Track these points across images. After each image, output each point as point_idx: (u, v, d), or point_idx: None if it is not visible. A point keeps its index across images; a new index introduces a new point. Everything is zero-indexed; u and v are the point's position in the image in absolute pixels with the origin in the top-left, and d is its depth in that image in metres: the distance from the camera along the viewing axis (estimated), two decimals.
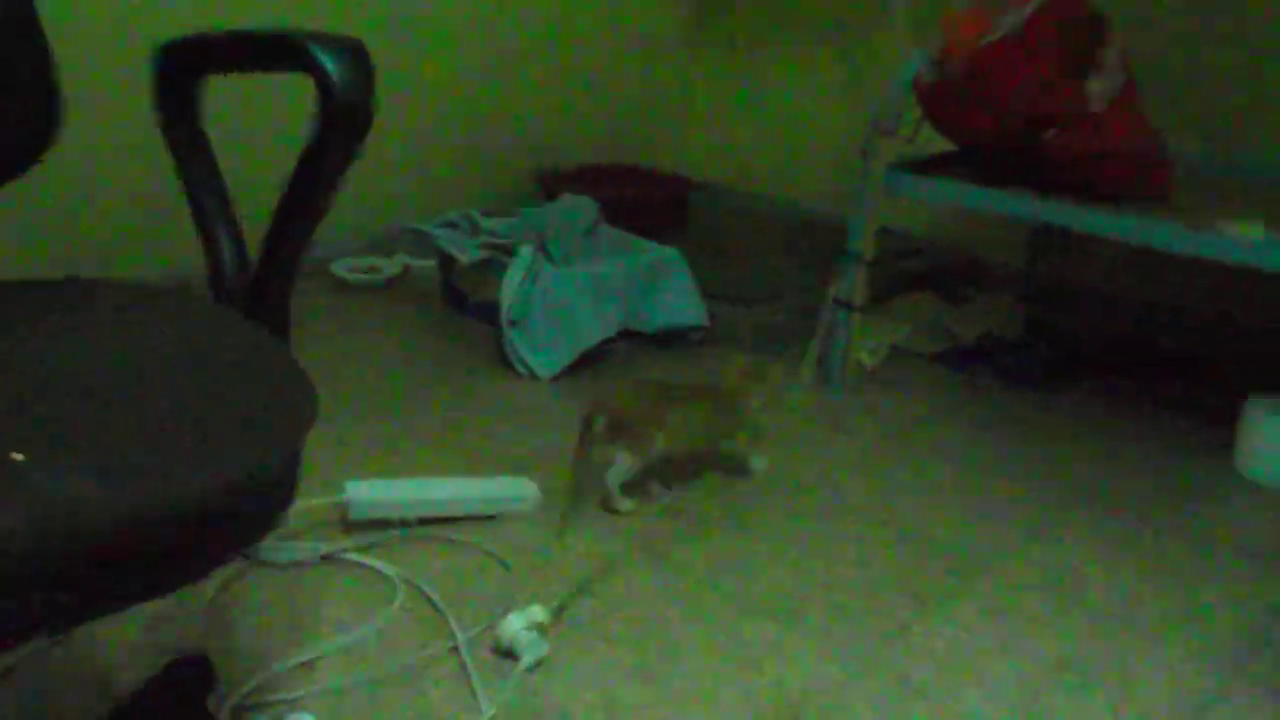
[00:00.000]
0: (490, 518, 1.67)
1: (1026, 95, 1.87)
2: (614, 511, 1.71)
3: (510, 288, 2.14)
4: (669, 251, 2.35)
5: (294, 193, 0.78)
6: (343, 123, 0.73)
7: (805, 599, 1.53)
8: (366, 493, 1.63)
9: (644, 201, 2.92)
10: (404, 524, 1.63)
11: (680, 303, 2.33)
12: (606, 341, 2.22)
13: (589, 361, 2.21)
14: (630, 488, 1.73)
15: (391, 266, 2.65)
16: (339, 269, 2.61)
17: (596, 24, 3.12)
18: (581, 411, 1.72)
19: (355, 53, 0.72)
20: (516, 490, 1.69)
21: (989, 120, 1.93)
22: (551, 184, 2.86)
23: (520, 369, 2.17)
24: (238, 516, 0.67)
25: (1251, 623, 1.54)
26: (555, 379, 2.16)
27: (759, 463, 1.86)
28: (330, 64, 0.71)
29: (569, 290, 2.15)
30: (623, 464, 1.69)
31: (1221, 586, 1.62)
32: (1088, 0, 1.96)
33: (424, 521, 1.64)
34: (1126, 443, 2.05)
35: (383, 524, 1.63)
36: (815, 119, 3.15)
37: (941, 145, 2.19)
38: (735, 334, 2.42)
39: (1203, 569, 1.66)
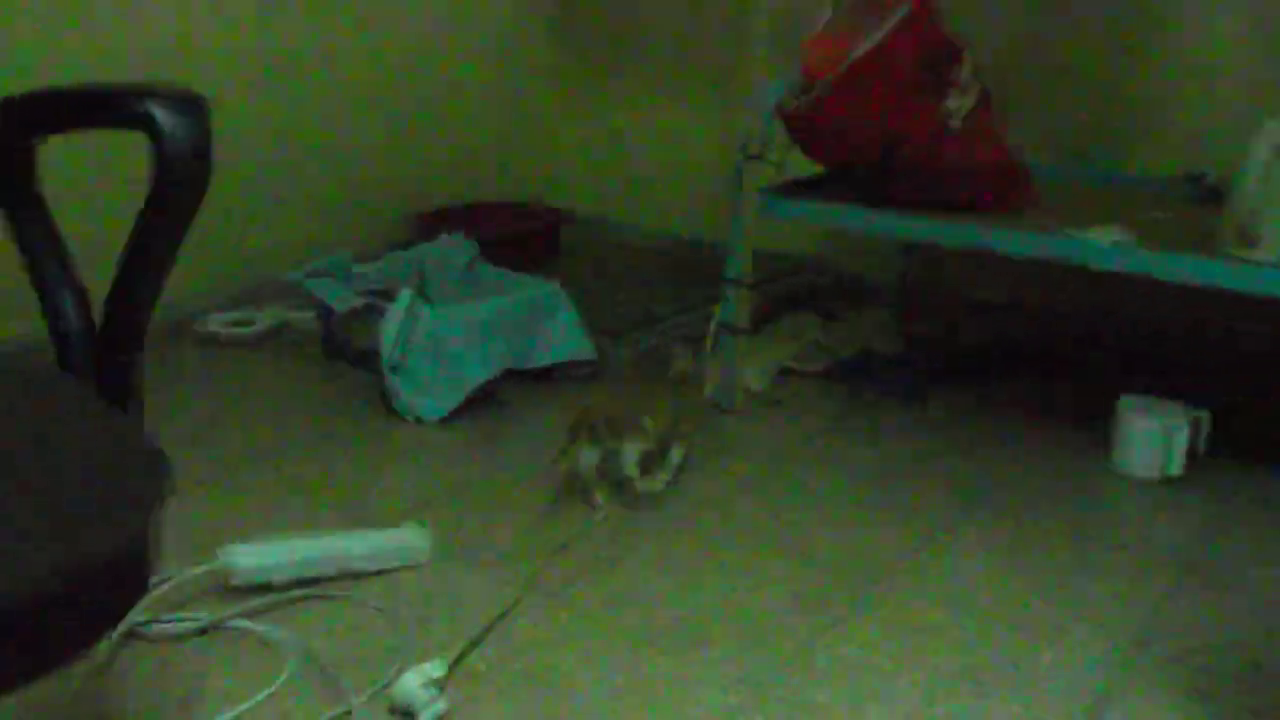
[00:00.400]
0: (380, 572, 1.63)
1: (884, 116, 1.91)
2: (592, 505, 1.83)
3: (390, 332, 2.10)
4: (550, 286, 2.33)
5: (134, 252, 0.75)
6: (179, 177, 0.69)
7: (704, 628, 1.52)
8: (248, 556, 1.57)
9: (518, 237, 2.91)
10: (289, 586, 1.58)
11: (565, 338, 2.31)
12: (492, 381, 2.19)
13: (475, 403, 2.17)
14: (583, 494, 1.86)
15: (266, 319, 2.58)
16: (211, 324, 2.53)
17: (459, 61, 3.11)
18: (569, 420, 1.85)
19: (190, 104, 0.69)
20: (406, 540, 1.65)
21: (851, 141, 1.97)
22: (424, 225, 2.83)
23: (406, 414, 2.12)
24: (87, 602, 0.63)
25: (1138, 616, 1.58)
26: (442, 422, 2.12)
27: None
28: (162, 117, 0.68)
29: (450, 331, 2.12)
30: (632, 450, 1.84)
31: (1106, 583, 1.66)
32: (940, 22, 2.02)
33: (310, 581, 1.59)
34: (1007, 446, 2.10)
35: (267, 588, 1.57)
36: (684, 146, 3.18)
37: (813, 168, 2.22)
38: (617, 365, 2.41)
39: (1087, 566, 1.70)
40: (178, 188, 0.70)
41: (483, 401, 2.20)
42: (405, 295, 2.14)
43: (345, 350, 2.36)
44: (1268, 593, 1.64)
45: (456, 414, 2.14)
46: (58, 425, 0.75)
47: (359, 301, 2.24)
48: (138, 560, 0.65)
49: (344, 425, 2.12)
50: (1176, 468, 1.94)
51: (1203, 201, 2.24)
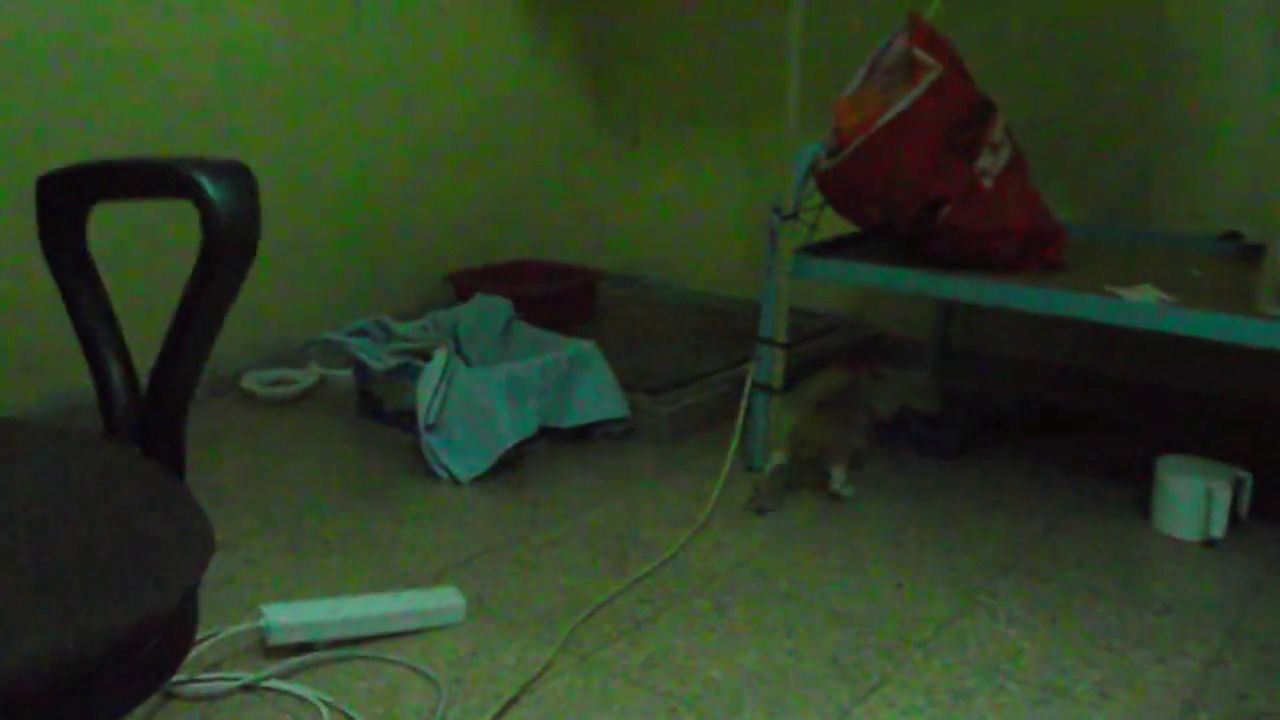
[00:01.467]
0: (417, 631, 1.63)
1: (917, 176, 1.92)
2: (766, 510, 2.04)
3: (426, 392, 2.12)
4: (584, 345, 2.35)
5: (182, 320, 0.76)
6: (227, 247, 0.71)
7: (740, 693, 1.51)
8: (285, 616, 1.58)
9: (554, 296, 2.93)
10: (327, 646, 1.58)
11: (599, 396, 2.32)
12: (527, 440, 2.20)
13: (510, 462, 2.18)
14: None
15: (305, 378, 2.61)
16: (250, 384, 2.56)
17: (497, 122, 3.16)
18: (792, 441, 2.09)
19: (237, 175, 0.71)
20: (441, 601, 1.65)
21: (884, 201, 1.98)
22: (462, 284, 2.86)
23: (441, 473, 2.13)
24: (135, 662, 0.64)
25: (1183, 682, 1.55)
26: (476, 481, 2.13)
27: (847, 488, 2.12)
28: (211, 188, 0.70)
29: (486, 391, 2.14)
30: (840, 474, 2.10)
31: (1150, 647, 1.63)
32: (970, 83, 2.04)
33: (347, 642, 1.59)
34: (1046, 505, 2.08)
35: (304, 647, 1.57)
36: (720, 205, 3.21)
37: (846, 227, 2.24)
38: (654, 423, 2.41)
39: (1130, 630, 1.67)
40: (226, 256, 0.72)
41: (518, 461, 2.21)
42: (441, 355, 2.17)
43: (382, 409, 2.38)
44: None
45: (492, 473, 2.15)
46: (105, 488, 0.77)
47: (396, 361, 2.26)
48: (183, 621, 0.65)
49: (380, 484, 2.13)
50: (1219, 529, 1.92)
51: (1240, 260, 2.24)
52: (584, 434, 2.34)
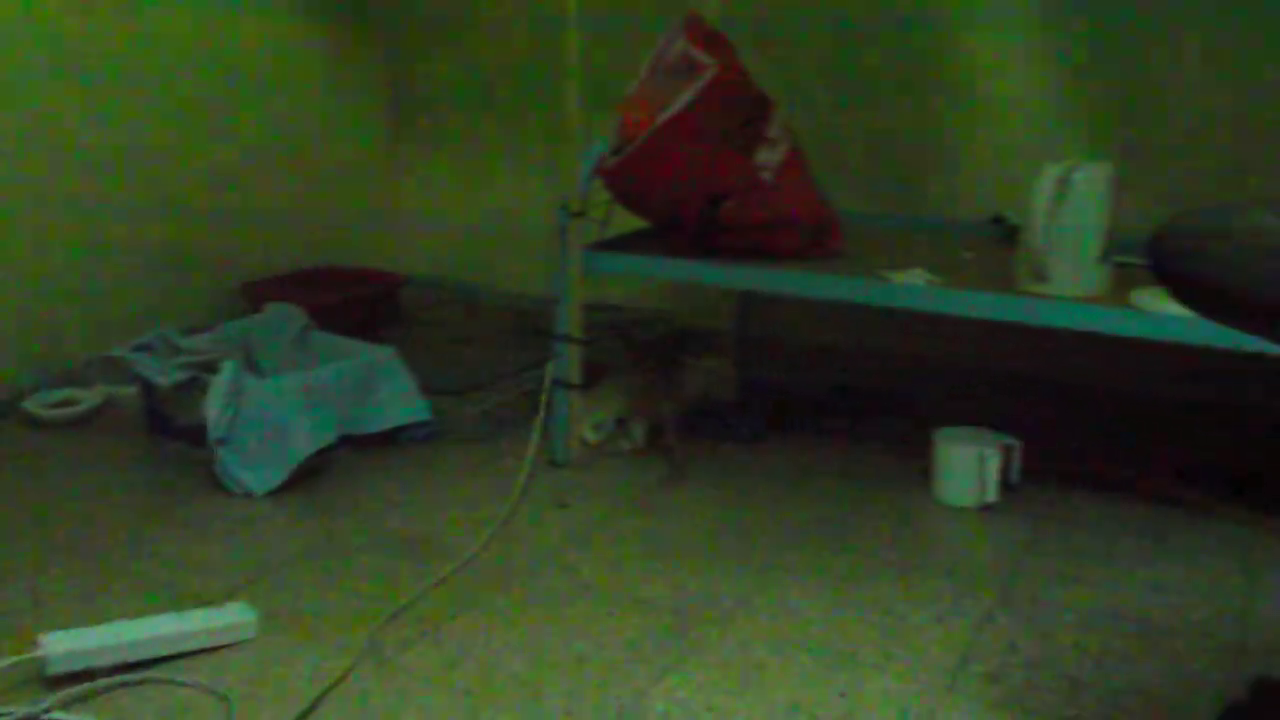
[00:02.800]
0: (208, 650, 1.58)
1: (698, 172, 1.98)
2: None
3: (214, 405, 2.06)
4: (382, 350, 2.32)
5: None
6: None
7: (542, 682, 1.53)
8: (65, 643, 1.51)
9: (353, 302, 2.89)
10: (111, 672, 1.52)
11: (400, 401, 2.30)
12: (325, 450, 2.17)
13: (308, 472, 2.14)
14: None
15: (91, 398, 2.50)
16: (32, 406, 2.44)
17: (289, 127, 3.09)
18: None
19: None
20: (231, 617, 1.61)
21: (669, 197, 2.03)
22: (255, 294, 2.78)
23: (234, 487, 2.08)
24: None
25: (959, 639, 1.64)
26: (273, 493, 2.08)
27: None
28: None
29: (276, 401, 2.09)
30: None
31: (929, 609, 1.73)
32: (748, 80, 2.11)
33: (134, 666, 1.54)
34: (837, 482, 2.17)
35: (88, 675, 1.51)
36: (520, 206, 3.22)
37: (641, 223, 2.28)
38: (460, 424, 2.41)
39: (911, 594, 1.77)
40: None
41: (319, 470, 2.17)
42: (229, 366, 2.11)
43: (170, 426, 2.29)
44: (1079, 610, 1.73)
45: (288, 485, 2.10)
46: None
47: (182, 375, 2.18)
48: None
49: (170, 503, 2.06)
50: (992, 495, 2.04)
51: (1005, 242, 2.38)
52: (389, 440, 2.31)
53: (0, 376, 2.46)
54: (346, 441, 2.24)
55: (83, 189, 2.59)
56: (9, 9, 2.41)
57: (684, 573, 1.83)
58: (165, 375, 2.20)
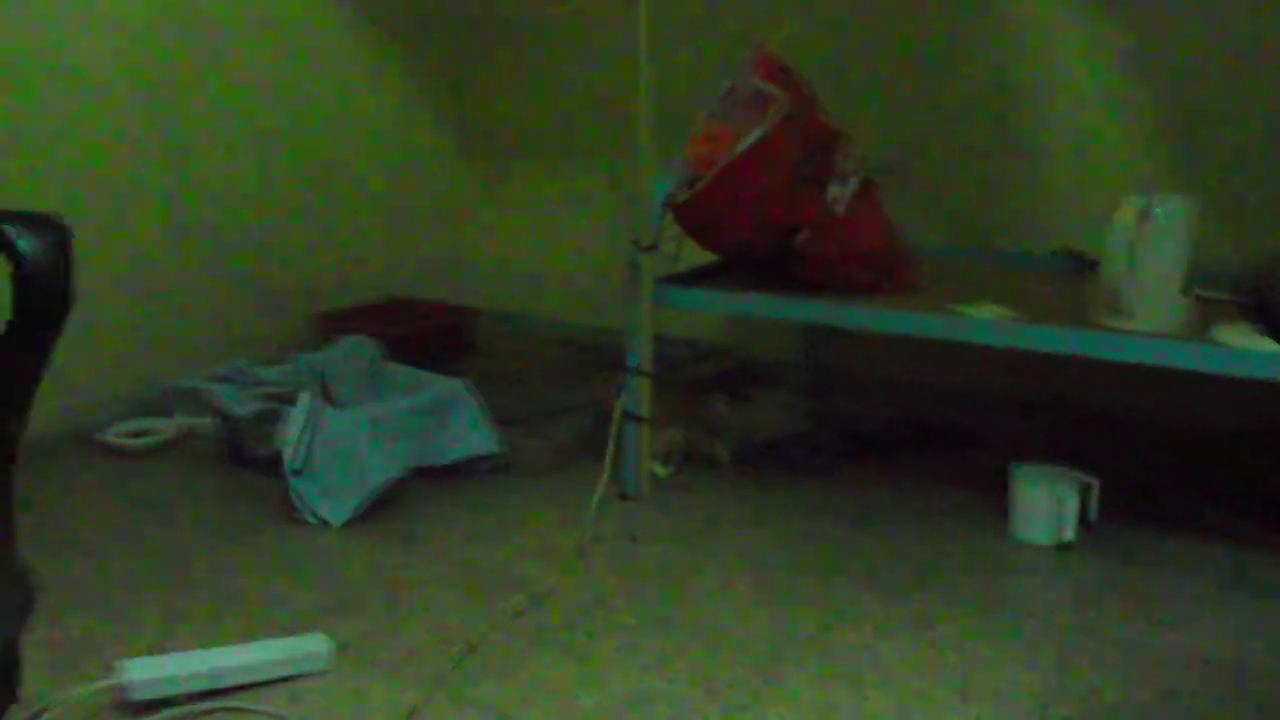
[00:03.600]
0: (284, 680, 1.60)
1: (770, 205, 1.97)
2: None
3: (291, 436, 2.09)
4: (455, 383, 2.34)
5: None
6: (39, 302, 0.70)
7: (617, 719, 1.52)
8: (146, 671, 1.54)
9: (425, 335, 2.92)
10: (189, 700, 1.54)
11: (471, 432, 2.32)
12: (397, 481, 2.18)
13: (381, 503, 2.16)
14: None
15: (169, 428, 2.55)
16: (110, 436, 2.49)
17: (362, 162, 3.15)
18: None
19: (48, 228, 0.70)
20: (307, 647, 1.63)
21: (741, 231, 2.03)
22: (329, 326, 2.83)
23: (309, 518, 2.10)
24: None
25: (1038, 682, 1.61)
26: (347, 524, 2.10)
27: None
28: (21, 241, 0.69)
29: (352, 433, 2.12)
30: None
31: (1008, 650, 1.69)
32: (820, 113, 2.10)
33: (213, 694, 1.56)
34: (911, 520, 2.14)
35: (168, 702, 1.53)
36: (589, 240, 3.24)
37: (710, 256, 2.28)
38: (529, 456, 2.42)
39: (992, 635, 1.73)
40: (39, 312, 0.70)
41: (389, 501, 2.19)
42: (306, 398, 2.14)
43: (246, 456, 2.33)
44: (1163, 653, 1.68)
45: (362, 515, 2.13)
46: None
47: (260, 406, 2.22)
48: (5, 672, 0.64)
49: (247, 532, 2.09)
50: (1070, 534, 2.00)
51: (1081, 275, 2.35)
52: (460, 472, 2.33)
53: (79, 406, 2.52)
54: (417, 472, 2.25)
55: (161, 224, 2.66)
56: (105, 55, 2.49)
57: (756, 609, 1.81)
58: (242, 406, 2.24)
